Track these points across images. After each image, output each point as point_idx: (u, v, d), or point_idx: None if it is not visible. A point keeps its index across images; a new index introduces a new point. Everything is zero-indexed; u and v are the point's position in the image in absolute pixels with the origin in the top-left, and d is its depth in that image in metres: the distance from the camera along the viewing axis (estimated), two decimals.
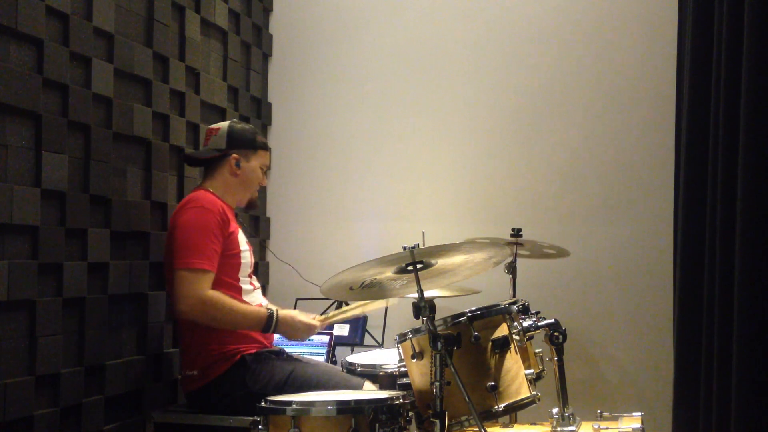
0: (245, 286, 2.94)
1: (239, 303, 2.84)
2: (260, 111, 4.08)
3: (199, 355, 2.83)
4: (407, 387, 2.57)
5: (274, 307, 2.88)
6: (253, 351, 2.84)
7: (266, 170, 3.15)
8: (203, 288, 2.72)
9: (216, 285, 2.78)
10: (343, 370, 3.02)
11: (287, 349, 3.04)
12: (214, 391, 2.81)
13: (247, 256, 2.96)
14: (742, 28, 2.54)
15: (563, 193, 3.80)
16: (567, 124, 3.81)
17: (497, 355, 2.39)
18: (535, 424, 2.63)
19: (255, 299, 2.97)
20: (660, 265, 3.60)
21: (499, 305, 2.47)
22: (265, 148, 3.10)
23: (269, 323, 2.81)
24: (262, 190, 3.97)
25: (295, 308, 3.77)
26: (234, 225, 2.92)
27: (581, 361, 3.73)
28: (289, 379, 2.77)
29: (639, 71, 3.73)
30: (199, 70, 3.47)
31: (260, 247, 3.97)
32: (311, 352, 3.39)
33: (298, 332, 2.89)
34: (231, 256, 2.87)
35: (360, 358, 3.10)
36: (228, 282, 2.86)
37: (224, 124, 3.05)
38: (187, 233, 2.77)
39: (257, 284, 3.04)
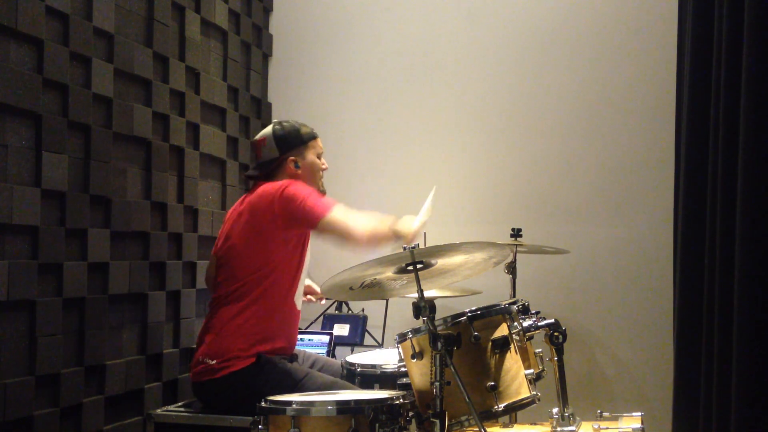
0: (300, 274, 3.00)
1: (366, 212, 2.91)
2: (260, 111, 4.08)
3: (222, 347, 2.81)
4: (407, 387, 2.56)
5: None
6: (270, 354, 2.84)
7: (322, 154, 3.15)
8: (350, 216, 2.81)
9: (283, 268, 2.87)
10: (343, 371, 3.02)
11: (305, 350, 3.12)
12: (223, 387, 2.80)
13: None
14: (742, 28, 2.54)
15: (563, 193, 3.80)
16: (567, 124, 3.81)
17: (497, 355, 2.38)
18: (535, 424, 2.63)
19: (301, 287, 3.04)
20: (660, 265, 3.60)
21: (499, 305, 2.47)
22: (314, 136, 3.10)
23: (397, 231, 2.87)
24: None
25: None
26: None
27: (581, 361, 3.73)
28: (296, 387, 2.76)
29: (639, 71, 3.73)
30: (199, 70, 3.47)
31: None
32: (311, 352, 3.38)
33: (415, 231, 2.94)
34: (305, 244, 2.95)
35: (360, 358, 3.09)
36: (294, 266, 2.92)
37: (267, 132, 3.04)
38: (303, 196, 2.83)
39: None
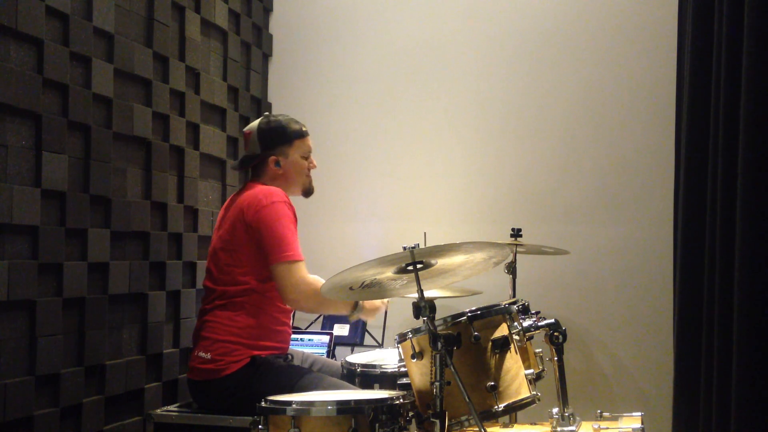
0: None
1: None
2: (260, 111, 4.08)
3: (216, 349, 2.81)
4: (407, 387, 2.57)
5: None
6: (264, 354, 2.83)
7: (310, 153, 3.09)
8: (307, 276, 2.80)
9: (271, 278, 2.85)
10: (343, 371, 3.02)
11: (304, 350, 3.14)
12: (219, 389, 2.80)
13: None
14: (742, 28, 2.54)
15: (563, 193, 3.80)
16: (567, 124, 3.81)
17: (497, 355, 2.38)
18: (535, 424, 2.63)
19: None
20: (660, 265, 3.60)
21: (499, 305, 2.47)
22: (301, 135, 3.04)
23: (356, 305, 2.90)
24: None
25: None
26: None
27: (581, 361, 3.73)
28: (293, 387, 2.76)
29: (639, 71, 3.73)
30: (199, 70, 3.47)
31: None
32: (311, 352, 3.38)
33: (376, 312, 3.01)
34: None
35: (360, 358, 3.09)
36: None
37: (254, 126, 3.02)
38: (277, 228, 2.81)
39: None
